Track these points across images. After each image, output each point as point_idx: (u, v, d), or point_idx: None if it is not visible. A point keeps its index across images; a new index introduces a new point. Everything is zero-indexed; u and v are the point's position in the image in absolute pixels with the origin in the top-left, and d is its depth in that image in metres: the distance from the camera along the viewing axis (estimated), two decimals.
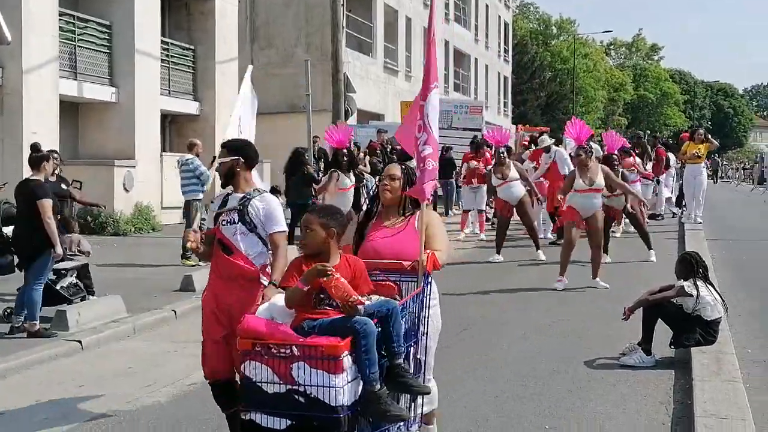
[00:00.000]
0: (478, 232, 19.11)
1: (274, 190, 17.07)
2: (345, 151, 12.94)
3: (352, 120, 24.92)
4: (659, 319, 7.90)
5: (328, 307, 4.42)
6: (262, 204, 5.65)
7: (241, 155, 5.83)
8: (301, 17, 30.52)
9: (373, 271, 4.89)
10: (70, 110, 20.36)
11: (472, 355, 8.34)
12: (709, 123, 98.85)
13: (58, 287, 10.00)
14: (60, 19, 18.63)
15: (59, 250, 9.24)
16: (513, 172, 15.27)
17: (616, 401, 6.84)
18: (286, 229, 5.72)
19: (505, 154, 15.84)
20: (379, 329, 4.35)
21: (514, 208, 15.37)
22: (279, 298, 4.59)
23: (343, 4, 22.96)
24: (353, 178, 14.79)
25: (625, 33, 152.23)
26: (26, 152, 14.78)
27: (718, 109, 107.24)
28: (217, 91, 24.14)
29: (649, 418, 6.48)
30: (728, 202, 30.47)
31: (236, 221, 5.61)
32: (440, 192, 22.44)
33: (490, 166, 19.56)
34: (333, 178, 12.71)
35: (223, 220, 5.68)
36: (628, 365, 7.77)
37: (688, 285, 7.84)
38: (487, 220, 20.80)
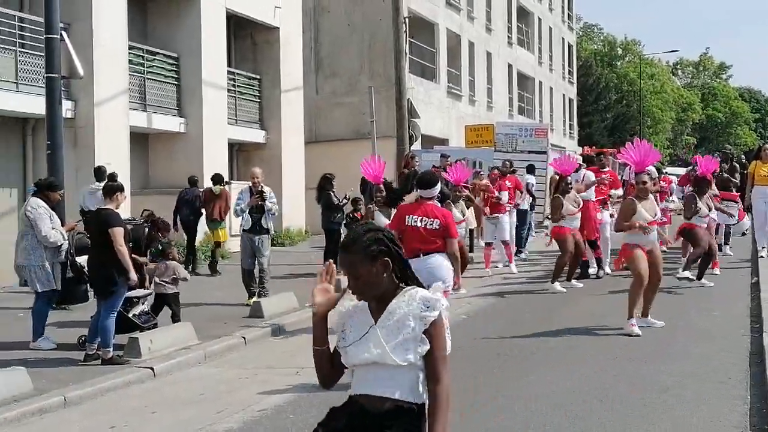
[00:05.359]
0: (509, 264, 17.34)
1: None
2: (382, 186, 11.84)
3: (417, 145, 24.96)
4: None
5: None
6: None
7: None
8: (364, 45, 30.74)
9: None
10: (140, 141, 20.79)
11: (530, 376, 8.28)
12: None
13: (130, 315, 10.17)
14: (129, 53, 19.05)
15: (133, 276, 9.44)
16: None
17: (686, 425, 6.68)
18: None
19: (572, 183, 15.07)
20: None
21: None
22: None
23: (405, 31, 23.04)
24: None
25: (691, 52, 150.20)
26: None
27: None
28: (283, 119, 24.43)
29: None
30: None
31: None
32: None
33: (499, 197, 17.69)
34: (367, 216, 11.95)
35: None
36: None
37: None
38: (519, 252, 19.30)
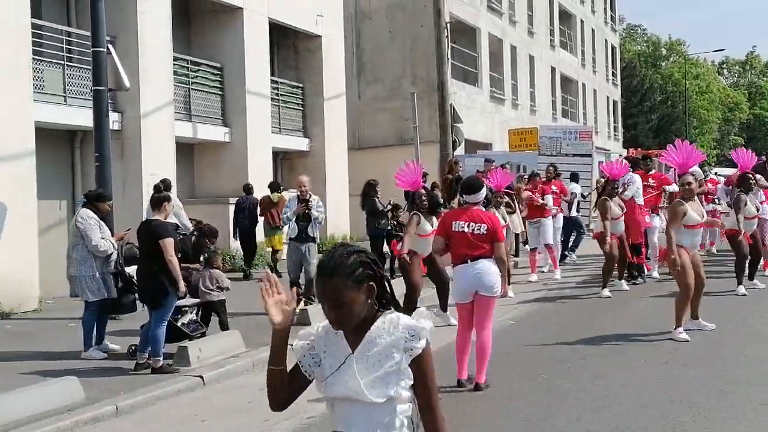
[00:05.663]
0: (553, 270, 17.08)
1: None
2: (422, 191, 11.66)
3: (460, 150, 24.93)
4: None
5: None
6: None
7: None
8: (406, 50, 30.79)
9: None
10: (186, 151, 20.99)
11: (573, 383, 8.22)
12: None
13: (179, 324, 10.28)
14: (174, 64, 19.24)
15: (182, 287, 9.53)
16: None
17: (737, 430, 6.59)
18: None
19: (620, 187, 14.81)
20: None
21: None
22: None
23: (447, 36, 23.03)
24: (436, 223, 12.87)
25: (737, 51, 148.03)
26: (146, 194, 15.39)
27: None
28: (326, 126, 24.53)
29: None
30: None
31: None
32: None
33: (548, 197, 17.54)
34: (412, 222, 11.55)
35: None
36: None
37: None
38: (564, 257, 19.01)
